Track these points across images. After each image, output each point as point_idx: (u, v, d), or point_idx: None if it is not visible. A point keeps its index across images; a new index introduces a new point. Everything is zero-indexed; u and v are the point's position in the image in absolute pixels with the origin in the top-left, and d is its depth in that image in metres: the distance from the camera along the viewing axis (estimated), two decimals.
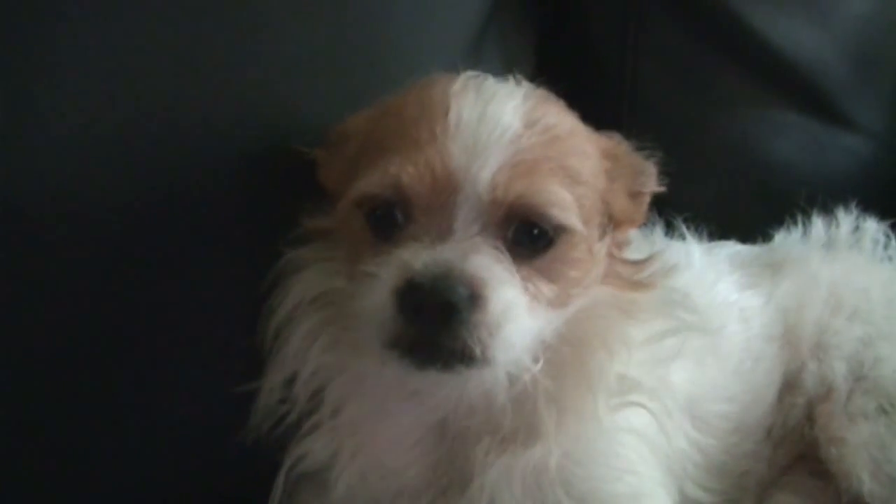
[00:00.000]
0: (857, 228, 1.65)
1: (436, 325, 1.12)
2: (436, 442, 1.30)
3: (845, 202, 1.69)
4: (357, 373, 1.30)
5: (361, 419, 1.31)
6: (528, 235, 1.18)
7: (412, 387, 1.27)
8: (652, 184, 1.33)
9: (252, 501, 1.36)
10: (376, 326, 1.15)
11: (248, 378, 1.34)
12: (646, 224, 1.45)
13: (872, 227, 1.65)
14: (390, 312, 1.13)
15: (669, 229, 1.61)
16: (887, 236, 1.65)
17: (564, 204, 1.18)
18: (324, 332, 1.31)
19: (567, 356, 1.25)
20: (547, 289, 1.19)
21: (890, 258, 1.64)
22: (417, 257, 1.13)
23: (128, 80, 1.33)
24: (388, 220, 1.19)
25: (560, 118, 1.25)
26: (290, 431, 1.35)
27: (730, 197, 1.87)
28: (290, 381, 1.33)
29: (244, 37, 1.41)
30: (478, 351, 1.13)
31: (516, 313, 1.15)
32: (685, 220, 1.61)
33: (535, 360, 1.22)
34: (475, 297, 1.11)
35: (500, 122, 1.18)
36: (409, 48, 1.56)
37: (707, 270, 1.54)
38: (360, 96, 1.35)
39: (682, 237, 1.60)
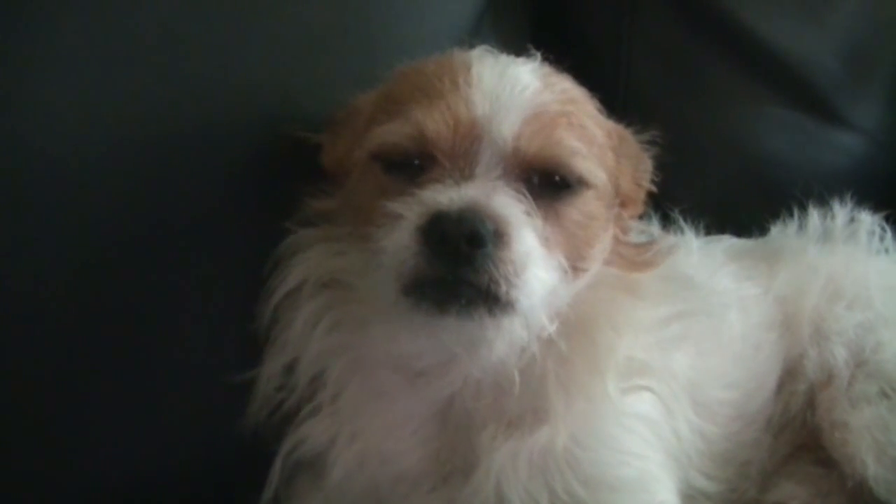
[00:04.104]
0: (852, 220, 1.66)
1: (461, 258, 1.10)
2: (438, 429, 1.28)
3: (840, 196, 1.69)
4: (359, 353, 1.28)
5: (362, 402, 1.29)
6: (550, 184, 1.19)
7: (417, 366, 1.26)
8: (648, 179, 1.36)
9: (249, 491, 1.33)
10: (396, 267, 1.13)
11: (245, 366, 1.32)
12: (643, 218, 1.46)
13: (868, 219, 1.66)
14: (414, 248, 1.11)
15: (666, 222, 1.61)
16: (882, 228, 1.66)
17: (585, 157, 1.20)
18: (326, 315, 1.29)
19: (575, 334, 1.24)
20: (561, 242, 1.19)
21: (886, 250, 1.65)
22: (442, 194, 1.13)
23: (125, 67, 1.33)
24: (406, 169, 1.19)
25: (573, 85, 1.28)
26: (287, 420, 1.32)
27: (724, 192, 1.88)
28: (289, 369, 1.31)
29: (241, 24, 1.41)
30: (503, 288, 1.11)
31: (536, 259, 1.15)
32: (682, 213, 1.62)
33: (551, 321, 1.21)
34: (499, 234, 1.11)
35: (521, 79, 1.21)
36: (405, 38, 1.56)
37: (705, 261, 1.54)
38: (356, 84, 1.36)
39: (680, 230, 1.60)
